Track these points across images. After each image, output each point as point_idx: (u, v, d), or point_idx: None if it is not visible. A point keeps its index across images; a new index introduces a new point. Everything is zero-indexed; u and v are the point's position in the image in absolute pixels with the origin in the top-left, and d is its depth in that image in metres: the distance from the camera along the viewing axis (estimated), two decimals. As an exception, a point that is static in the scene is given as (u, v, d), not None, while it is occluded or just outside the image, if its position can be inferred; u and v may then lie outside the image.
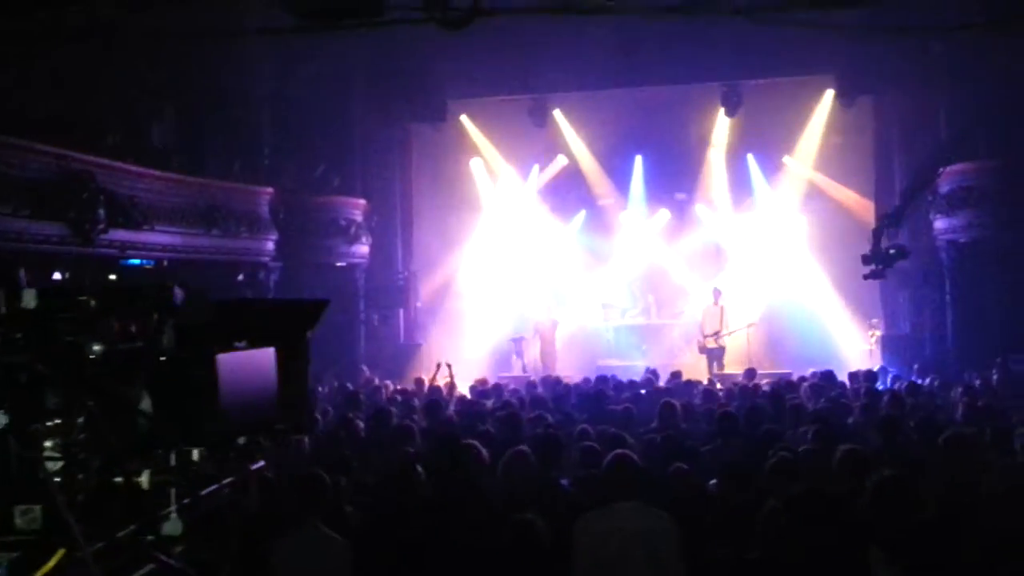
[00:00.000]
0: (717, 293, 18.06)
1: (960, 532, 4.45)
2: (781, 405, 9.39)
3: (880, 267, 14.00)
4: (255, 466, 2.08)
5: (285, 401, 1.96)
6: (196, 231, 14.02)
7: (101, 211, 11.71)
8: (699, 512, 5.43)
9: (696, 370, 17.41)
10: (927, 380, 12.84)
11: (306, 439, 8.86)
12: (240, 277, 15.84)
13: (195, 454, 1.80)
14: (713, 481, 5.82)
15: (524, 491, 5.57)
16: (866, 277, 14.37)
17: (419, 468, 5.90)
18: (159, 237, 13.16)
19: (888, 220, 14.65)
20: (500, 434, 7.74)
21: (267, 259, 15.89)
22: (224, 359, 1.81)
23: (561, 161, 20.86)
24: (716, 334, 17.63)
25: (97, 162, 11.97)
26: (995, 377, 12.61)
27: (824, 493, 4.56)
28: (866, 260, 14.14)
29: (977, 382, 11.36)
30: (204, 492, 1.87)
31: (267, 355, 1.97)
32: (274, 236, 15.89)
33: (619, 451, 5.29)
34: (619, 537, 4.79)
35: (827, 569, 4.11)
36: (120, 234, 12.24)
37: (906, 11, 12.36)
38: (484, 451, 6.68)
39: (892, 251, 13.97)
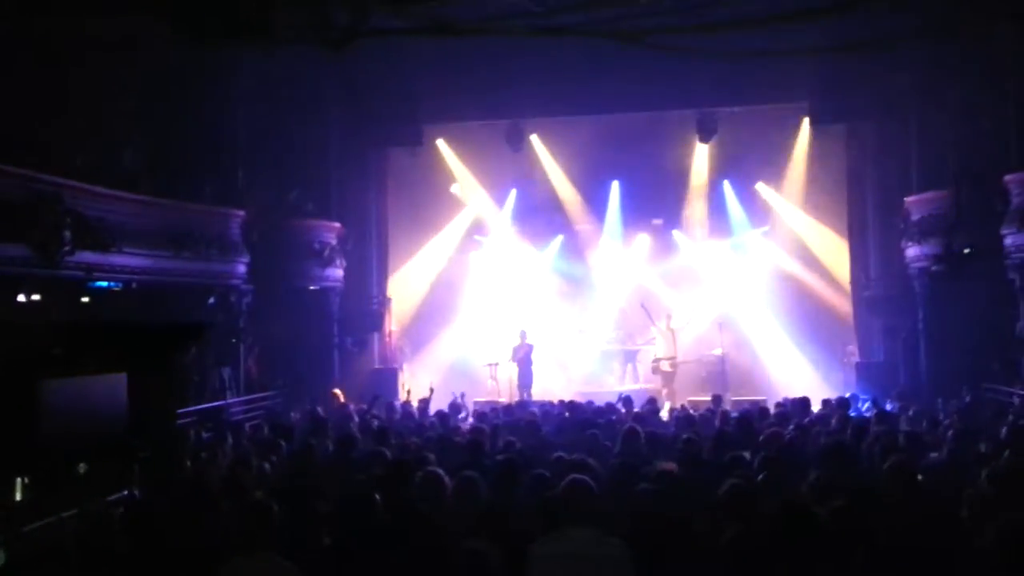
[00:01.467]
0: (669, 316, 18.12)
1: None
2: (750, 432, 9.35)
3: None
4: (114, 497, 2.00)
5: (139, 425, 1.88)
6: (166, 254, 13.89)
7: (67, 233, 11.57)
8: (656, 539, 5.35)
9: (675, 395, 17.45)
10: (899, 408, 12.84)
11: (267, 465, 8.79)
12: (211, 300, 15.69)
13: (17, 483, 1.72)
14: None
15: (476, 517, 5.48)
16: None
17: (376, 496, 5.81)
18: (127, 259, 13.02)
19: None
20: (463, 460, 7.66)
21: (239, 282, 15.75)
22: (53, 386, 1.73)
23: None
24: (672, 359, 17.73)
25: (65, 183, 11.84)
26: (967, 400, 12.65)
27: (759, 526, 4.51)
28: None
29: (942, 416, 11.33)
30: (32, 526, 1.79)
31: (116, 380, 1.89)
32: (246, 259, 15.77)
33: (574, 476, 5.21)
34: (572, 563, 4.71)
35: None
36: (87, 256, 12.10)
37: (875, 26, 12.46)
38: (445, 478, 6.60)
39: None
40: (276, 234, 16.70)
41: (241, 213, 15.74)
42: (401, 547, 5.02)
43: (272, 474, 8.63)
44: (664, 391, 17.51)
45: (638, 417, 11.79)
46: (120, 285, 13.49)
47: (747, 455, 7.74)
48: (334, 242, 18.25)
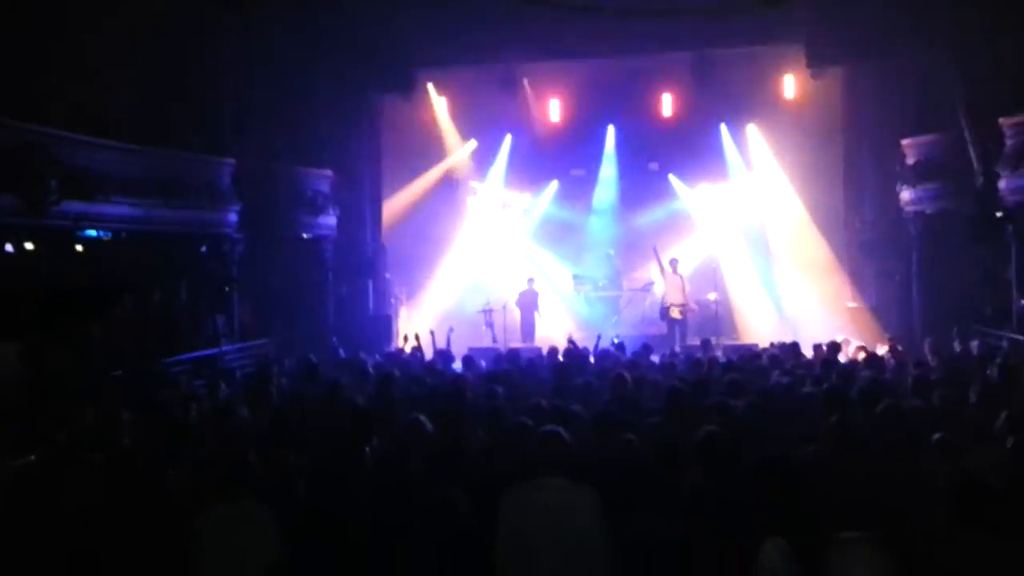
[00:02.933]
0: (675, 263, 18.06)
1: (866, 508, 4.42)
2: (735, 378, 9.36)
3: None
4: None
5: (37, 392, 1.86)
6: (155, 202, 13.79)
7: (53, 182, 11.49)
8: (632, 488, 5.38)
9: (665, 341, 17.46)
10: (891, 351, 12.87)
11: (245, 411, 8.84)
12: (203, 249, 15.67)
13: None
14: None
15: (448, 465, 5.52)
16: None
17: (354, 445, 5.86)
18: (115, 209, 12.95)
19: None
20: (445, 408, 7.70)
21: (230, 231, 15.68)
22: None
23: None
24: (683, 306, 17.64)
25: (49, 132, 11.73)
26: (956, 346, 12.67)
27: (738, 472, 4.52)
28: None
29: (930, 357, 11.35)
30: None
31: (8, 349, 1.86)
32: (236, 208, 15.68)
33: (548, 427, 5.22)
34: (543, 512, 4.73)
35: (742, 552, 4.05)
36: (74, 206, 12.02)
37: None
38: (428, 425, 6.65)
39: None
40: (267, 182, 16.57)
41: (231, 161, 15.62)
42: (375, 495, 5.07)
43: (260, 422, 8.71)
44: (678, 336, 17.47)
45: (630, 363, 11.82)
46: (110, 235, 13.45)
47: (732, 402, 7.78)
48: (326, 190, 18.15)
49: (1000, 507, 4.09)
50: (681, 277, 17.90)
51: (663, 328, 18.54)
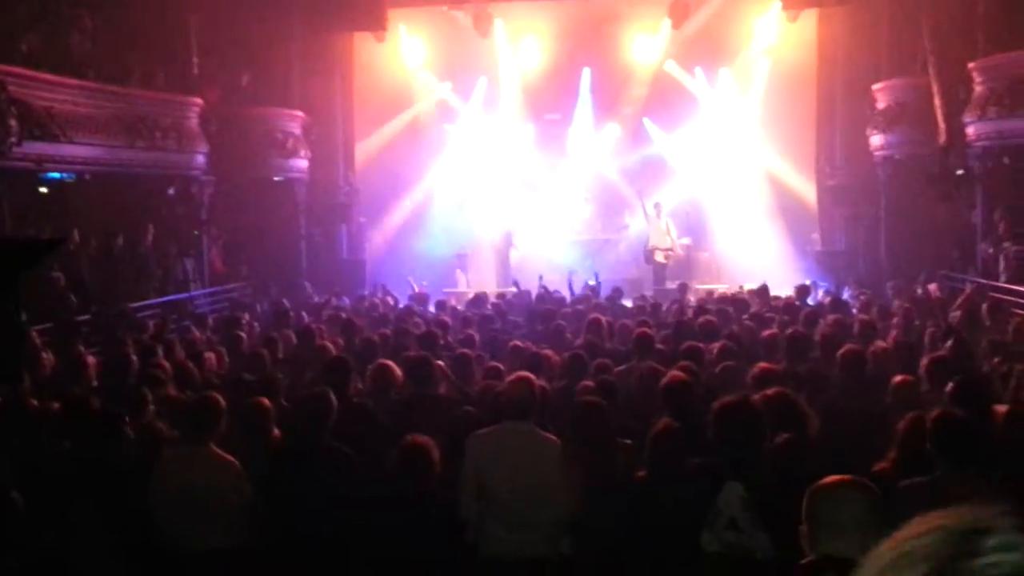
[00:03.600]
0: (658, 207, 18.05)
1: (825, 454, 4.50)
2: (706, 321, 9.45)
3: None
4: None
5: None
6: (119, 143, 13.55)
7: (13, 122, 11.24)
8: (600, 432, 5.42)
9: (640, 285, 17.57)
10: (856, 294, 13.02)
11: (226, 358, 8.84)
12: (171, 191, 15.47)
13: None
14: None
15: (418, 411, 5.55)
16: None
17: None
18: (79, 150, 12.71)
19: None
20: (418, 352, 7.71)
21: (198, 173, 15.48)
22: None
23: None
24: (668, 250, 17.72)
25: (9, 71, 11.44)
26: (920, 291, 12.83)
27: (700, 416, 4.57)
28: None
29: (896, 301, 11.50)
30: None
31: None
32: (204, 149, 15.45)
33: (519, 373, 5.24)
34: (510, 458, 4.78)
35: (703, 493, 4.10)
36: (36, 147, 11.79)
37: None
38: (398, 372, 6.67)
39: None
40: (236, 123, 16.32)
41: (198, 101, 15.34)
42: (345, 442, 5.09)
43: (230, 366, 8.71)
44: (660, 279, 17.56)
45: (603, 307, 11.89)
46: (74, 176, 13.23)
47: (703, 345, 7.86)
48: (297, 132, 17.91)
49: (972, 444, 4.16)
50: (666, 221, 17.92)
51: (635, 273, 18.62)
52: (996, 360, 6.69)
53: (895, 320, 9.07)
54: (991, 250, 14.09)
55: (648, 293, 15.23)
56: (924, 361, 6.35)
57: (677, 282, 15.77)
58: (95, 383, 7.49)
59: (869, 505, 2.83)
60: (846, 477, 2.93)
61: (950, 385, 5.14)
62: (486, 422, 5.27)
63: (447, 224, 20.10)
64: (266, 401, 5.68)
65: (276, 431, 5.68)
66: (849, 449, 4.95)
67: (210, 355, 8.53)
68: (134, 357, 7.73)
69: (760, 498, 3.97)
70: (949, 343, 7.17)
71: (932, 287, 12.58)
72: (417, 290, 15.08)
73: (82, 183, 13.43)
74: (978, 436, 4.22)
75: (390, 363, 6.81)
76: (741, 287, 13.34)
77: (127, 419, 5.02)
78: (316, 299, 14.98)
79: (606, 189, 20.48)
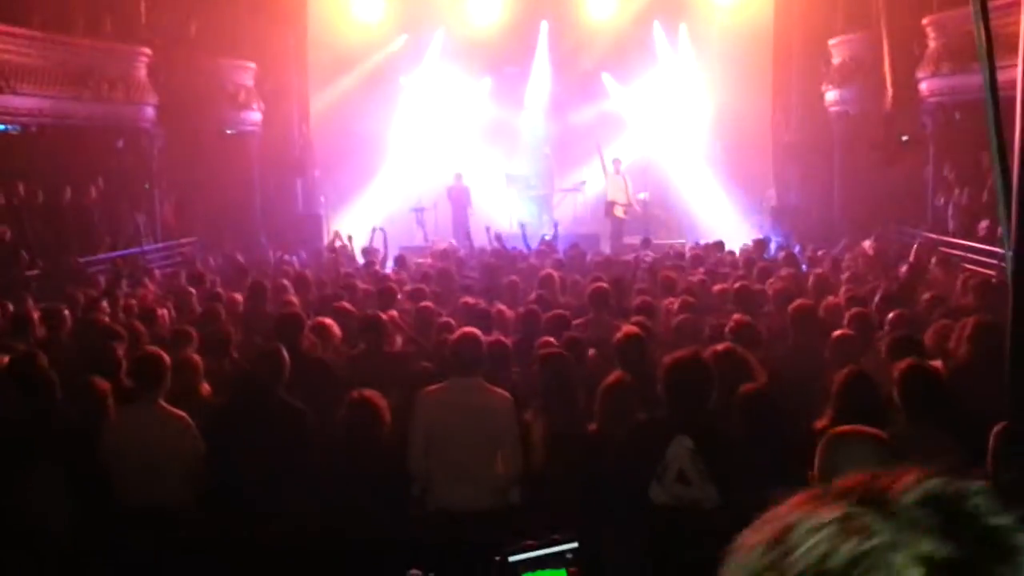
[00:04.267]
0: (617, 163, 18.05)
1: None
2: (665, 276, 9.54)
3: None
4: None
5: None
6: (65, 96, 13.18)
7: (-47, 72, 10.89)
8: (554, 385, 5.46)
9: (598, 240, 17.61)
10: (808, 249, 13.20)
11: (174, 312, 8.72)
12: (120, 144, 15.12)
13: None
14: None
15: (373, 366, 5.55)
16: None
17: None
18: (23, 101, 12.35)
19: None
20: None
21: (148, 125, 15.12)
22: None
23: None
24: (626, 206, 17.76)
25: (-53, 18, 11.07)
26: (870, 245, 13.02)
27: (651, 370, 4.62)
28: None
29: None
30: None
31: None
32: (154, 101, 15.08)
33: (465, 329, 5.25)
34: (458, 413, 4.81)
35: (652, 446, 4.16)
36: (-22, 98, 11.45)
37: None
38: (336, 329, 6.66)
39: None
40: (186, 74, 15.92)
41: (146, 51, 14.93)
42: (299, 396, 5.07)
43: (180, 322, 8.60)
44: (617, 234, 17.61)
45: (560, 262, 11.91)
46: (19, 129, 12.87)
47: (656, 302, 7.92)
48: (249, 83, 17.55)
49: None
50: (624, 177, 17.94)
51: (594, 228, 18.65)
52: (937, 314, 6.82)
53: (847, 275, 9.21)
54: (942, 202, 14.33)
55: (606, 249, 15.27)
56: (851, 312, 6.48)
57: (638, 237, 15.86)
58: (43, 339, 7.39)
59: (879, 457, 2.82)
60: (859, 428, 2.93)
61: (885, 341, 5.24)
62: (440, 377, 5.30)
63: (404, 177, 19.92)
64: (195, 357, 5.64)
65: (206, 387, 5.66)
66: (795, 404, 5.03)
67: (163, 311, 8.41)
68: (105, 316, 7.64)
69: (707, 451, 4.05)
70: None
71: (867, 244, 12.72)
72: (374, 244, 15.00)
73: (28, 135, 13.08)
74: (942, 389, 4.32)
75: (327, 321, 6.79)
76: (697, 243, 13.43)
77: (96, 377, 4.97)
78: (271, 254, 14.83)
79: (563, 143, 20.40)
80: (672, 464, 4.09)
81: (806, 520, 0.69)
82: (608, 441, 4.63)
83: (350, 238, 14.74)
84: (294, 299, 9.28)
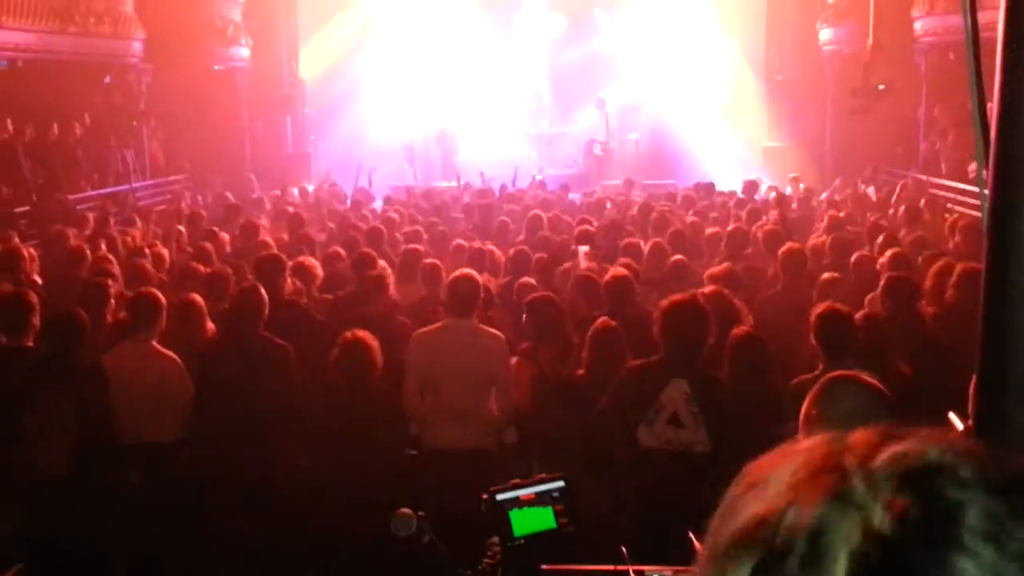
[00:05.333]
0: (601, 101, 17.89)
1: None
2: (648, 219, 9.56)
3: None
4: None
5: None
6: (52, 29, 12.96)
7: (-65, 6, 10.70)
8: (544, 326, 5.51)
9: (587, 179, 17.56)
10: (799, 189, 13.22)
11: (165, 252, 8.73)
12: (107, 79, 14.92)
13: None
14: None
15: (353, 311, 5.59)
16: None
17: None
18: (8, 36, 12.16)
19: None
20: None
21: (135, 60, 14.92)
22: None
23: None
24: (604, 143, 17.67)
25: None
26: (865, 188, 13.06)
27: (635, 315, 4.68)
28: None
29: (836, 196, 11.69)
30: None
31: None
32: (142, 35, 14.85)
33: (460, 271, 5.29)
34: (453, 353, 4.87)
35: (646, 390, 4.21)
36: (-39, 32, 11.26)
37: None
38: (318, 268, 6.69)
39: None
40: (173, 8, 15.66)
41: (133, -16, 14.67)
42: (284, 337, 5.13)
43: (174, 261, 8.62)
44: (596, 173, 17.59)
45: (545, 202, 11.91)
46: (4, 64, 12.69)
47: (642, 242, 7.95)
48: (238, 18, 17.27)
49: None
50: (605, 114, 17.82)
51: (583, 168, 18.59)
52: (923, 256, 6.89)
53: (842, 214, 9.25)
54: (937, 145, 14.32)
55: (597, 189, 15.25)
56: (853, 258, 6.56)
57: (623, 178, 15.82)
58: (35, 277, 7.41)
59: (869, 401, 2.69)
60: (848, 372, 2.83)
61: (880, 284, 5.31)
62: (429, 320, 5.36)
63: (394, 114, 19.72)
64: (198, 298, 5.66)
65: (211, 326, 5.67)
66: (784, 349, 5.11)
67: (160, 251, 8.42)
68: (87, 251, 7.65)
69: (702, 394, 4.10)
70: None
71: (862, 187, 12.77)
72: (366, 183, 14.96)
73: (14, 70, 12.89)
74: (854, 330, 4.38)
75: (309, 261, 6.80)
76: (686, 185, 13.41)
77: (85, 315, 5.01)
78: (258, 193, 14.75)
79: (555, 82, 20.17)
80: (666, 407, 4.12)
81: (779, 476, 0.67)
82: (597, 385, 4.68)
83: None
84: (284, 237, 9.33)
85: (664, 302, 4.38)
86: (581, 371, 4.91)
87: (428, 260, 6.62)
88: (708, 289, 5.12)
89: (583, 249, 7.23)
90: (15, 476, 4.53)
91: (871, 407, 2.64)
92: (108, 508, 4.55)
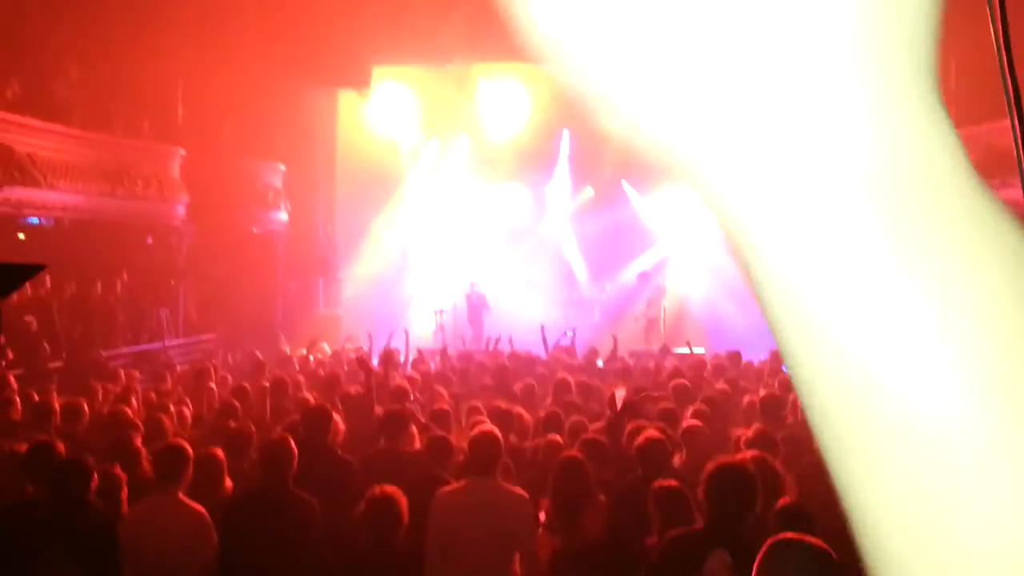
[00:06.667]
0: (644, 276, 18.16)
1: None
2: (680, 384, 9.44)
3: None
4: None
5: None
6: (100, 192, 13.52)
7: (-6, 167, 11.23)
8: (572, 492, 5.37)
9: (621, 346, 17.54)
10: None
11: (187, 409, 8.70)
12: (149, 240, 15.40)
13: None
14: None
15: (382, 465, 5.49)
16: None
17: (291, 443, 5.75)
18: (59, 196, 12.68)
19: None
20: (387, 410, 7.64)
21: (178, 223, 15.43)
22: None
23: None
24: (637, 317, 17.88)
25: (-8, 115, 11.47)
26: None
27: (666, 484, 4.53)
28: None
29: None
30: None
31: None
32: (185, 199, 15.43)
33: (484, 428, 5.22)
34: (475, 514, 4.73)
35: (688, 563, 4.01)
36: (16, 191, 11.75)
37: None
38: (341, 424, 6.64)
39: None
40: (217, 174, 16.33)
41: (181, 151, 15.36)
42: (312, 491, 5.01)
43: (200, 417, 8.58)
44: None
45: (576, 367, 11.85)
46: (52, 222, 13.16)
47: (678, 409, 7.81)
48: (278, 184, 17.94)
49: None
50: (653, 288, 18.07)
51: (611, 335, 18.62)
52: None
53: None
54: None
55: (627, 355, 15.22)
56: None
57: (656, 346, 15.81)
58: (63, 429, 7.38)
59: (814, 563, 2.73)
60: (793, 535, 2.83)
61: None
62: (454, 477, 5.23)
63: (426, 280, 20.08)
64: (220, 452, 5.59)
65: (229, 483, 5.57)
66: (828, 514, 4.90)
67: (184, 409, 8.40)
68: (127, 409, 7.64)
69: (745, 568, 3.88)
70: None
71: None
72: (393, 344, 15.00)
73: (60, 229, 13.35)
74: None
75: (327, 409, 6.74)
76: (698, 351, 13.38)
77: (120, 469, 4.95)
78: (287, 351, 14.83)
79: (583, 249, 20.56)
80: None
81: None
82: (624, 554, 4.48)
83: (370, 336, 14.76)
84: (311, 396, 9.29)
85: (710, 464, 4.20)
86: (605, 538, 4.72)
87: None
88: (750, 453, 4.96)
89: (620, 393, 7.10)
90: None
91: (818, 570, 2.61)
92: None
